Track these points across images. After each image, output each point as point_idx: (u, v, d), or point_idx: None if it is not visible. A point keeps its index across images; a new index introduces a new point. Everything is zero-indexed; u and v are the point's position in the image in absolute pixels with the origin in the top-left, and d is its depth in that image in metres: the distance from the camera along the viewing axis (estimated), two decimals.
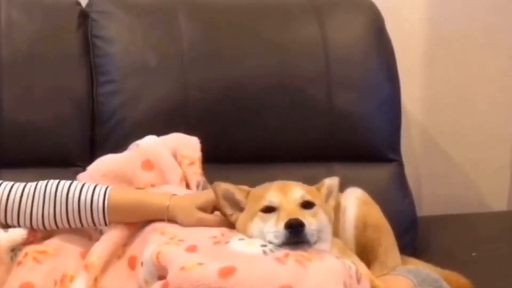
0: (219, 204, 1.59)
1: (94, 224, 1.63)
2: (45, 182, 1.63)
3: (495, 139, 2.56)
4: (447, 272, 1.81)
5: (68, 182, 1.63)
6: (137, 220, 1.63)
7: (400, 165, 2.21)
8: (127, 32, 2.08)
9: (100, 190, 1.62)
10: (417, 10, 2.45)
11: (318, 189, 1.61)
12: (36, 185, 1.62)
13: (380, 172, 2.16)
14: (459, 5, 2.47)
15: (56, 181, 1.63)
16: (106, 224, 1.62)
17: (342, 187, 1.77)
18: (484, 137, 2.54)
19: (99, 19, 2.08)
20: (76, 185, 1.63)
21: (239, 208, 1.58)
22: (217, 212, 1.62)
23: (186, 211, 1.59)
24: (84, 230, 1.66)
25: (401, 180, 2.20)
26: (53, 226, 1.62)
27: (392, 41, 2.22)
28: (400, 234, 1.90)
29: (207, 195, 1.63)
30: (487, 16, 2.48)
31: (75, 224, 1.62)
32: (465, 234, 2.17)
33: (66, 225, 1.62)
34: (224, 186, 1.60)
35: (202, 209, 1.60)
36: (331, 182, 1.64)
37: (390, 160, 2.19)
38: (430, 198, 2.51)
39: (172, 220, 1.60)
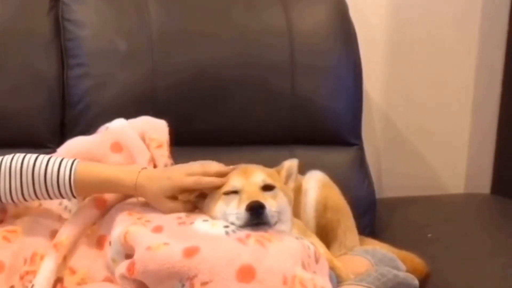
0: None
1: (62, 197, 1.61)
2: (10, 156, 1.61)
3: (454, 123, 2.57)
4: (403, 252, 1.85)
5: (34, 155, 1.61)
6: (105, 193, 1.64)
7: (361, 149, 2.23)
8: (97, 16, 2.08)
9: (66, 164, 1.60)
10: None
11: (278, 172, 1.63)
12: (2, 160, 1.60)
13: (341, 156, 2.18)
14: None
15: (22, 155, 1.60)
16: (74, 197, 1.62)
17: (303, 170, 1.81)
18: (443, 122, 2.56)
19: (70, 3, 2.07)
20: (43, 158, 1.60)
21: (203, 191, 1.60)
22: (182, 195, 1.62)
23: (156, 200, 1.59)
24: (53, 210, 1.67)
25: (361, 163, 2.22)
26: (21, 199, 1.61)
27: (355, 28, 2.22)
28: (359, 216, 1.95)
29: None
30: (450, 3, 2.49)
31: (43, 196, 1.60)
32: (422, 215, 2.20)
33: (34, 198, 1.61)
34: None
35: (171, 196, 1.59)
36: (291, 164, 1.65)
37: (351, 144, 2.20)
38: (390, 181, 2.52)
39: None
